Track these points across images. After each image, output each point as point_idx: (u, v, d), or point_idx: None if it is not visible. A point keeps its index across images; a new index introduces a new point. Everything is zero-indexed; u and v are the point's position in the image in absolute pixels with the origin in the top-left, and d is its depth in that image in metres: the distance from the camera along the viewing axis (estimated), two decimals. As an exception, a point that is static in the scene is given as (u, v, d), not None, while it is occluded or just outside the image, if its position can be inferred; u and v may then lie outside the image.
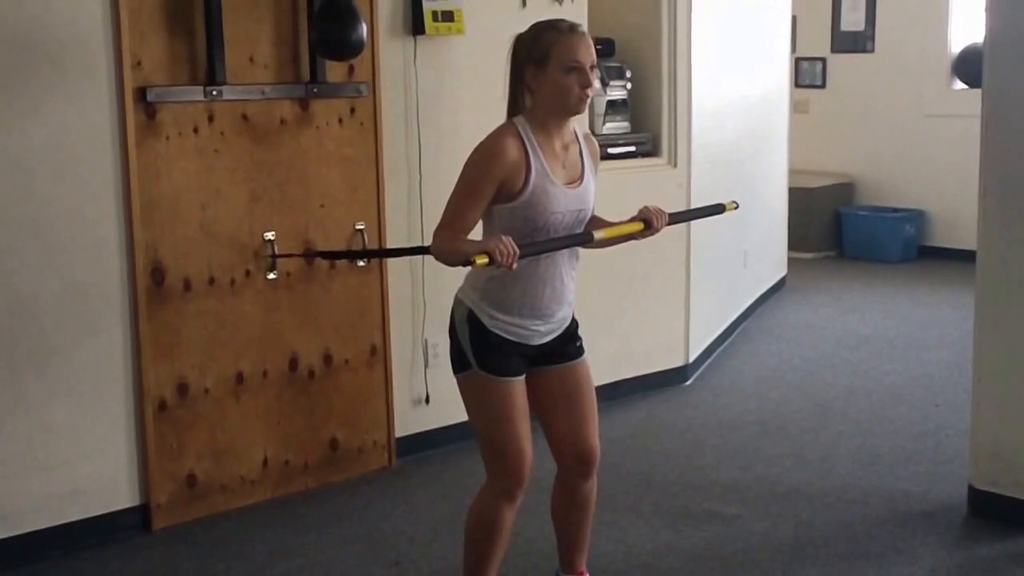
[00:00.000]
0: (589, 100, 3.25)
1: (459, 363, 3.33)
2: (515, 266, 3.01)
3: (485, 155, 3.18)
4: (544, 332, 3.32)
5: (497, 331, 3.25)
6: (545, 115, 3.23)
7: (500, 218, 3.20)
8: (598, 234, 3.29)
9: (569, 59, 3.17)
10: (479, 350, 3.26)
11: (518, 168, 3.16)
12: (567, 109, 3.23)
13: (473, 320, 3.27)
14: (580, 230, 3.30)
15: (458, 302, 3.33)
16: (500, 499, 3.34)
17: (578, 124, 3.40)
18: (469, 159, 3.20)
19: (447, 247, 3.16)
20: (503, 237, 3.01)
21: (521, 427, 3.30)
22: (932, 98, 9.84)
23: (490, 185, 3.15)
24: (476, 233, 3.22)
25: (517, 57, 3.25)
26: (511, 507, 3.36)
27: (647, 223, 3.36)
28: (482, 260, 2.96)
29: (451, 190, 3.21)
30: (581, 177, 3.31)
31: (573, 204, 3.26)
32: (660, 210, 3.39)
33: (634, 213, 3.40)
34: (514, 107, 3.28)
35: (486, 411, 3.31)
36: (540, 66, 3.19)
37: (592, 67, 3.20)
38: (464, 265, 3.06)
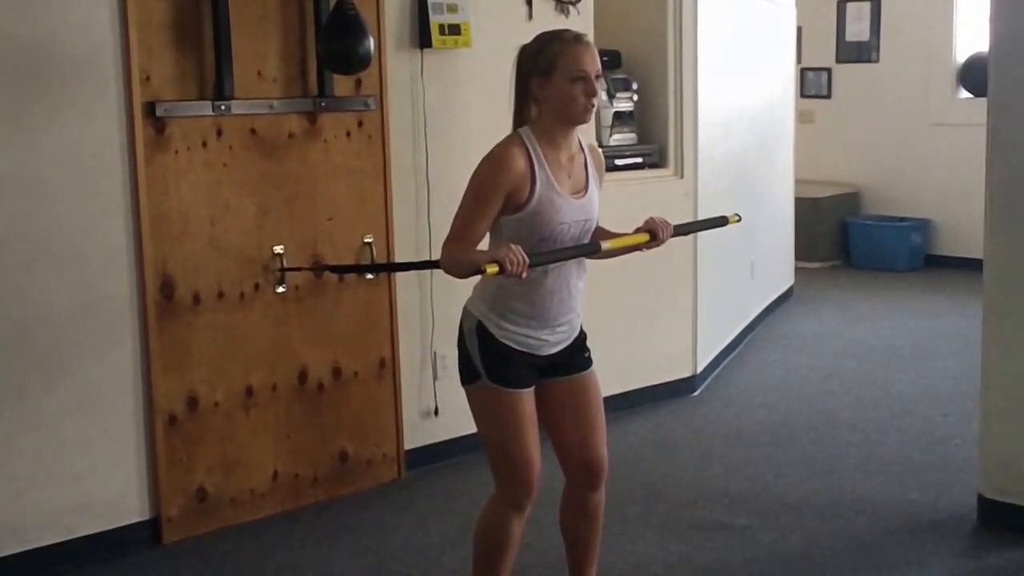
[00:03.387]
0: (595, 110, 3.26)
1: (468, 374, 3.33)
2: (525, 275, 3.02)
3: (491, 167, 3.18)
4: (553, 342, 3.32)
5: (506, 341, 3.25)
6: (551, 125, 3.24)
7: (506, 229, 3.21)
8: (605, 244, 3.31)
9: (574, 69, 3.17)
10: (488, 361, 3.27)
11: (524, 179, 3.17)
12: (573, 119, 3.23)
13: (482, 331, 3.27)
14: (586, 240, 3.31)
15: (466, 313, 3.34)
16: (509, 510, 3.34)
17: (583, 136, 3.41)
18: (476, 171, 3.21)
19: (456, 258, 3.16)
20: (512, 246, 3.01)
21: (530, 438, 3.30)
22: (937, 107, 9.85)
23: (497, 196, 3.16)
24: (483, 245, 3.23)
25: (522, 68, 3.26)
26: (520, 518, 3.36)
27: (652, 234, 3.37)
28: (493, 269, 2.97)
29: (459, 202, 3.22)
30: (586, 187, 3.31)
31: (578, 214, 3.27)
32: (665, 221, 3.40)
33: (641, 224, 3.41)
34: (519, 118, 3.29)
35: (495, 422, 3.31)
36: (545, 76, 3.20)
37: (597, 77, 3.21)
38: (475, 275, 3.08)
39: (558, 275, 3.26)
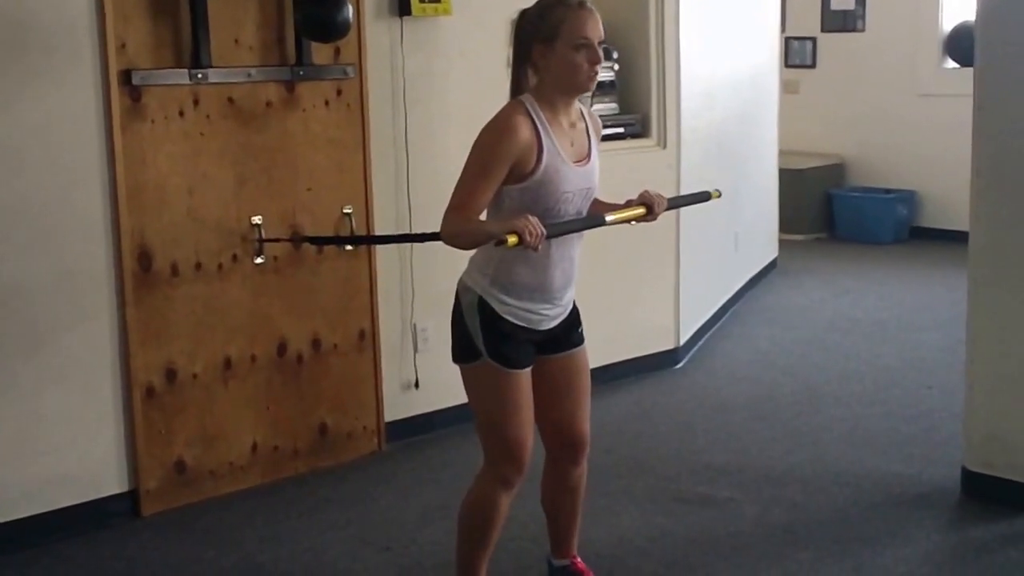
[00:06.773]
0: (598, 77, 3.19)
1: (467, 352, 3.25)
2: (540, 247, 2.98)
3: (496, 135, 3.10)
4: (552, 316, 3.28)
5: (508, 317, 3.19)
6: (552, 93, 3.17)
7: (509, 198, 3.13)
8: (609, 217, 3.27)
9: (578, 35, 3.10)
10: (491, 339, 3.20)
11: (530, 147, 3.09)
12: (576, 87, 3.17)
13: (483, 307, 3.20)
14: (585, 209, 3.27)
15: (465, 288, 3.26)
16: (498, 487, 3.31)
17: (580, 102, 3.34)
18: (479, 139, 3.12)
19: (463, 229, 3.09)
20: (530, 217, 2.96)
21: (525, 418, 3.26)
22: (924, 77, 9.81)
23: (503, 165, 3.07)
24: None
25: (522, 34, 3.19)
26: (508, 495, 3.33)
27: (648, 208, 3.33)
28: (513, 240, 2.92)
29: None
30: (588, 155, 3.26)
31: (582, 182, 3.21)
32: (660, 195, 3.36)
33: (624, 195, 3.38)
34: (517, 86, 3.21)
35: (492, 401, 3.26)
36: (548, 43, 3.12)
37: (601, 43, 3.15)
38: (488, 244, 3.03)
39: (561, 246, 3.21)
